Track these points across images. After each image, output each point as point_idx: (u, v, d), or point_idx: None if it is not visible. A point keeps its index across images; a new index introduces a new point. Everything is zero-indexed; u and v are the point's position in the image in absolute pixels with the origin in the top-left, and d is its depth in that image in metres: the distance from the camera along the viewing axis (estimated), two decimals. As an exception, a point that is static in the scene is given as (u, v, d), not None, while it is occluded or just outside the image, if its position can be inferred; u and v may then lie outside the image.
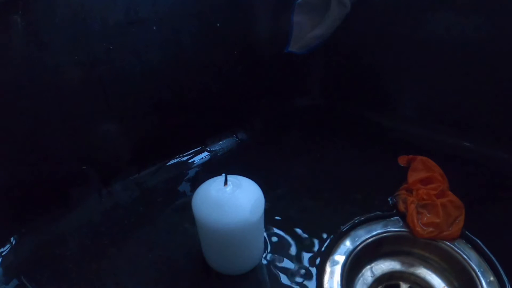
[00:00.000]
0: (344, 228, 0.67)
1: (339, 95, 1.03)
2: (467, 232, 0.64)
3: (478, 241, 0.63)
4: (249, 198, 0.55)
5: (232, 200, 0.54)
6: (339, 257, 0.62)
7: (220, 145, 0.92)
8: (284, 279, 0.61)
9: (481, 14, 0.71)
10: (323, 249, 0.64)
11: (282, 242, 0.67)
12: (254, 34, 0.90)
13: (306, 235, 0.68)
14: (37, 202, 0.70)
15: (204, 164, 0.87)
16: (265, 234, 0.67)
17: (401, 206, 0.68)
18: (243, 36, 0.88)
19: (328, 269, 0.61)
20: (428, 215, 0.65)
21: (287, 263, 0.63)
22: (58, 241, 0.68)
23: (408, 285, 0.67)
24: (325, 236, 0.66)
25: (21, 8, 0.57)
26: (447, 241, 0.64)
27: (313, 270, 0.61)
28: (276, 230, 0.69)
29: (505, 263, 0.60)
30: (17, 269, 0.64)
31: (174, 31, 0.75)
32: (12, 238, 0.67)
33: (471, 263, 0.61)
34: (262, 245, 0.64)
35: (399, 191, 0.72)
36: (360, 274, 0.66)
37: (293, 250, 0.65)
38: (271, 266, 0.63)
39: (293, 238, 0.67)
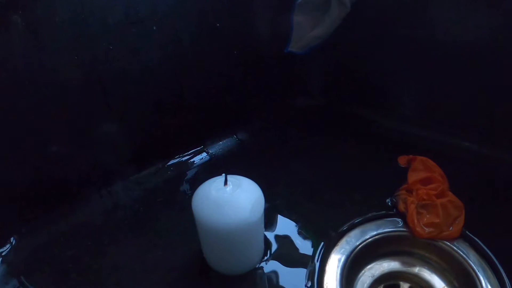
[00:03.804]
0: (344, 228, 0.67)
1: (339, 95, 1.03)
2: (467, 232, 0.64)
3: (478, 241, 0.63)
4: (249, 198, 0.55)
5: (232, 200, 0.54)
6: (339, 257, 0.62)
7: (220, 145, 0.92)
8: (284, 279, 0.61)
9: (481, 14, 0.71)
10: (323, 249, 0.64)
11: (282, 242, 0.67)
12: (254, 34, 0.90)
13: (306, 235, 0.68)
14: (37, 202, 0.70)
15: (204, 164, 0.87)
16: (265, 234, 0.67)
17: (401, 206, 0.68)
18: (243, 36, 0.88)
19: (328, 269, 0.61)
20: (428, 215, 0.65)
21: (287, 263, 0.63)
22: (58, 241, 0.68)
23: (408, 285, 0.67)
24: (325, 236, 0.66)
25: (21, 8, 0.57)
26: (447, 241, 0.64)
27: (313, 270, 0.61)
28: (276, 230, 0.69)
29: (505, 262, 0.60)
30: (17, 269, 0.64)
31: (174, 31, 0.75)
32: (12, 238, 0.67)
33: (471, 263, 0.61)
34: (262, 245, 0.64)
35: (399, 191, 0.72)
36: (360, 274, 0.66)
37: (293, 250, 0.65)
38: (271, 266, 0.63)
39: (293, 238, 0.67)
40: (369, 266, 0.67)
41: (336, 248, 0.64)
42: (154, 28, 0.72)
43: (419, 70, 0.84)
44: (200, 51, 0.81)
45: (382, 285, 0.67)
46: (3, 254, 0.65)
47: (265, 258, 0.64)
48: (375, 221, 0.68)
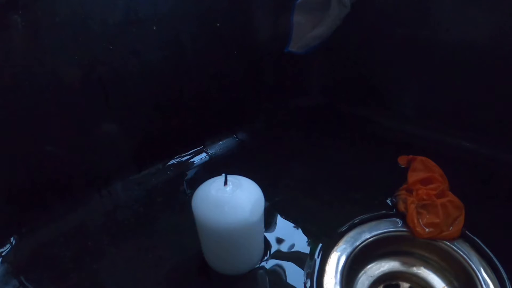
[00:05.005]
0: (344, 228, 0.67)
1: (339, 95, 1.03)
2: (467, 232, 0.64)
3: (478, 241, 0.63)
4: (249, 198, 0.55)
5: (232, 200, 0.54)
6: (339, 257, 0.62)
7: (220, 145, 0.92)
8: (284, 279, 0.61)
9: (481, 14, 0.71)
10: (322, 249, 0.64)
11: (282, 242, 0.67)
12: (254, 34, 0.90)
13: (306, 235, 0.68)
14: (37, 202, 0.70)
15: (204, 164, 0.87)
16: (265, 234, 0.67)
17: (401, 206, 0.68)
18: (243, 36, 0.88)
19: (328, 269, 0.61)
20: (428, 215, 0.65)
21: (287, 263, 0.63)
22: (58, 241, 0.68)
23: (408, 285, 0.67)
24: (325, 236, 0.66)
25: (21, 8, 0.57)
26: (447, 241, 0.64)
27: (313, 270, 0.61)
28: (276, 230, 0.69)
29: (505, 262, 0.60)
30: (17, 269, 0.64)
31: (174, 31, 0.76)
32: (12, 238, 0.67)
33: (471, 263, 0.61)
34: (262, 245, 0.64)
35: (399, 191, 0.72)
36: (360, 274, 0.66)
37: (293, 250, 0.65)
38: (271, 266, 0.63)
39: (293, 238, 0.67)
40: (369, 266, 0.67)
41: (336, 248, 0.64)
42: (154, 28, 0.72)
43: (419, 70, 0.84)
44: (200, 51, 0.81)
45: (382, 285, 0.67)
46: (3, 254, 0.65)
47: (265, 258, 0.64)
48: (375, 221, 0.68)
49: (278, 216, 0.71)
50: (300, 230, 0.69)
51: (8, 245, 0.66)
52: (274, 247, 0.66)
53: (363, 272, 0.67)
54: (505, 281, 0.58)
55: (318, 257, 0.63)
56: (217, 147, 0.92)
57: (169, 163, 0.86)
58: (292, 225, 0.70)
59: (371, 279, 0.66)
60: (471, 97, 0.79)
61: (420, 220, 0.65)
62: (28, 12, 0.58)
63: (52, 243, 0.68)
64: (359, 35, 0.88)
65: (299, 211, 0.73)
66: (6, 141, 0.63)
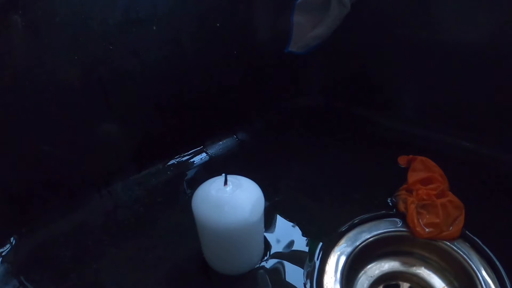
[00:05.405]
0: (344, 228, 0.67)
1: (338, 95, 1.03)
2: (467, 232, 0.64)
3: (478, 241, 0.63)
4: (249, 198, 0.55)
5: (232, 200, 0.54)
6: (339, 257, 0.62)
7: (220, 145, 0.92)
8: (283, 279, 0.61)
9: (481, 14, 0.71)
10: (322, 249, 0.64)
11: (281, 242, 0.67)
12: (254, 34, 0.90)
13: (306, 235, 0.68)
14: (37, 202, 0.70)
15: (204, 164, 0.87)
16: (265, 234, 0.67)
17: (401, 206, 0.68)
18: (243, 36, 0.88)
19: (327, 269, 0.61)
20: (428, 215, 0.65)
21: (287, 263, 0.63)
22: (58, 241, 0.68)
23: (408, 285, 0.67)
24: (325, 236, 0.66)
25: (21, 8, 0.57)
26: (447, 241, 0.64)
27: (313, 270, 0.61)
28: (276, 230, 0.69)
29: (505, 262, 0.60)
30: (17, 269, 0.64)
31: (174, 31, 0.76)
32: (12, 238, 0.67)
33: (471, 263, 0.61)
34: (262, 245, 0.64)
35: (399, 191, 0.72)
36: (360, 274, 0.66)
37: (292, 250, 0.65)
38: (271, 266, 0.63)
39: (293, 238, 0.67)
40: (369, 266, 0.67)
41: (336, 248, 0.64)
42: (154, 28, 0.72)
43: (419, 70, 0.84)
44: (200, 51, 0.81)
45: (382, 285, 0.67)
46: (3, 254, 0.65)
47: (265, 258, 0.64)
48: (375, 221, 0.68)
49: (278, 216, 0.71)
50: (300, 230, 0.69)
51: (8, 245, 0.66)
52: (274, 247, 0.66)
53: (363, 272, 0.67)
54: (505, 281, 0.58)
55: (318, 257, 0.63)
56: (217, 147, 0.92)
57: (169, 163, 0.86)
58: (292, 225, 0.70)
59: (371, 279, 0.66)
60: (471, 97, 0.79)
61: (420, 220, 0.65)
62: (28, 12, 0.58)
63: (52, 243, 0.68)
64: (359, 35, 0.88)
65: (299, 211, 0.73)
66: (6, 141, 0.63)
